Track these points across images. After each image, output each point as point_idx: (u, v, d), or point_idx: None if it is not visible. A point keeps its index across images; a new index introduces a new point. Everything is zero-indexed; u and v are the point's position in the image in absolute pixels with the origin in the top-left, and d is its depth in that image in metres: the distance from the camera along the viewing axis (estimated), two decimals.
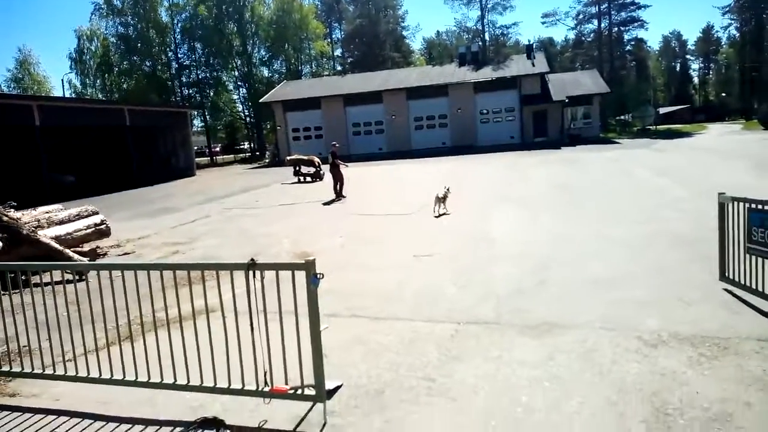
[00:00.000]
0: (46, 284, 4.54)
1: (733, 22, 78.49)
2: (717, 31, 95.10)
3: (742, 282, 5.59)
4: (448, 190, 12.72)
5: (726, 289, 5.79)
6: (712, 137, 40.19)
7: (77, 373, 4.26)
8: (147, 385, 4.07)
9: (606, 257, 7.65)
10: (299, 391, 3.75)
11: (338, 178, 17.26)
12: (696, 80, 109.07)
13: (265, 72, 63.06)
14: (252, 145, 65.51)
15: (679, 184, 14.80)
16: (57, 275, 5.91)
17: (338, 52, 77.22)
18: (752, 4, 68.78)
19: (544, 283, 6.63)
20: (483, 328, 5.28)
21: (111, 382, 4.16)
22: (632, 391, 3.87)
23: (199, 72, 60.99)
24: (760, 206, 5.33)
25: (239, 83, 63.40)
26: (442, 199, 12.61)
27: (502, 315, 5.60)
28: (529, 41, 54.32)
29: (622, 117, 61.21)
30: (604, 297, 5.93)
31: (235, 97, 65.53)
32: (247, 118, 65.53)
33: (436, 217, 12.18)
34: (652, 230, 9.09)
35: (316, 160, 25.19)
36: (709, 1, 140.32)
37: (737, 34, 78.85)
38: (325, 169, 18.04)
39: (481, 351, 4.76)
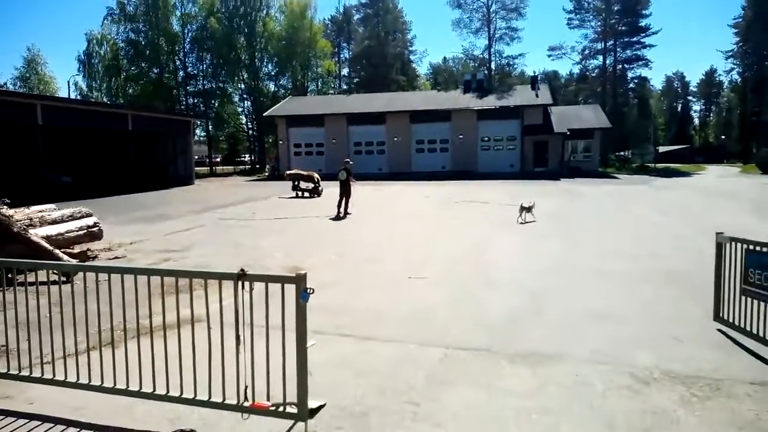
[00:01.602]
0: (31, 284, 4.44)
1: (735, 66, 79.58)
2: (720, 75, 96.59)
3: (737, 323, 5.52)
4: (533, 203, 14.80)
5: (720, 330, 5.72)
6: (710, 178, 40.42)
7: (54, 376, 4.14)
8: (125, 393, 3.95)
9: (601, 291, 7.57)
10: (281, 409, 3.64)
11: (347, 195, 17.20)
12: (696, 121, 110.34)
13: (271, 86, 63.55)
14: (252, 158, 65.69)
15: (678, 222, 14.81)
16: (43, 275, 5.81)
17: (345, 71, 77.99)
18: (755, 51, 69.79)
19: (537, 312, 6.55)
20: (473, 355, 5.18)
21: (88, 387, 4.05)
22: (622, 428, 3.77)
23: (205, 82, 61.43)
24: (757, 248, 5.29)
25: (244, 96, 63.87)
26: (527, 209, 14.57)
27: (493, 342, 5.51)
28: (534, 72, 55.00)
29: (622, 153, 61.74)
30: (598, 330, 5.85)
31: (240, 109, 66.06)
32: (250, 131, 65.82)
33: (521, 224, 14.11)
34: (648, 266, 9.04)
35: (316, 175, 25.22)
36: (713, 45, 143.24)
37: (739, 79, 79.93)
38: (332, 184, 18.03)
39: (469, 378, 4.66)
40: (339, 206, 17.01)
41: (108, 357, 4.02)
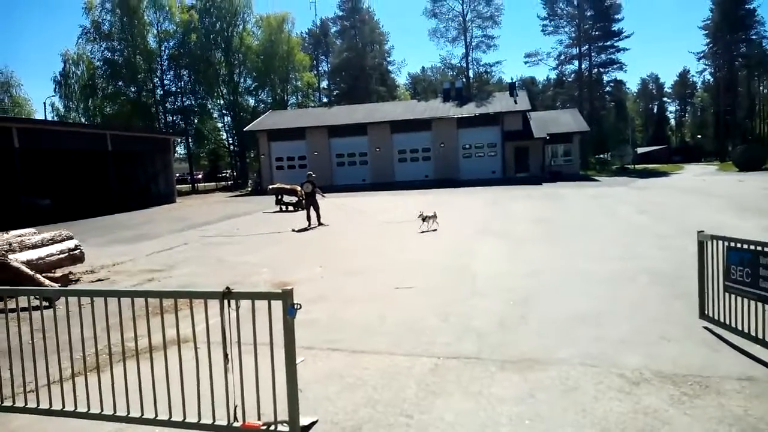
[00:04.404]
0: (12, 310, 4.35)
1: (707, 67, 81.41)
2: (693, 75, 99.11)
3: (721, 320, 5.59)
4: (434, 213, 15.12)
5: (706, 327, 5.78)
6: (689, 177, 41.05)
7: (39, 405, 4.05)
8: (113, 418, 3.88)
9: (587, 293, 7.62)
10: (272, 427, 3.60)
11: (315, 206, 17.58)
12: (673, 122, 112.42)
13: (251, 101, 63.33)
14: (234, 173, 65.24)
15: (659, 221, 14.99)
16: (24, 301, 5.69)
17: (324, 84, 78.17)
18: (725, 51, 71.44)
19: (525, 318, 6.57)
20: (463, 363, 5.17)
21: (75, 414, 3.96)
22: (615, 430, 3.79)
23: (184, 99, 60.97)
24: (738, 245, 5.37)
25: (224, 111, 63.49)
26: (431, 217, 14.92)
27: (483, 350, 5.51)
28: (511, 79, 55.82)
29: (602, 155, 62.47)
30: (586, 333, 5.88)
31: (220, 125, 65.55)
32: (231, 147, 65.44)
33: (420, 233, 14.32)
34: (633, 267, 9.12)
35: (299, 189, 25.12)
36: (685, 47, 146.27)
37: (711, 79, 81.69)
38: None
39: (461, 387, 4.65)
40: (308, 219, 17.40)
41: (94, 382, 3.95)
